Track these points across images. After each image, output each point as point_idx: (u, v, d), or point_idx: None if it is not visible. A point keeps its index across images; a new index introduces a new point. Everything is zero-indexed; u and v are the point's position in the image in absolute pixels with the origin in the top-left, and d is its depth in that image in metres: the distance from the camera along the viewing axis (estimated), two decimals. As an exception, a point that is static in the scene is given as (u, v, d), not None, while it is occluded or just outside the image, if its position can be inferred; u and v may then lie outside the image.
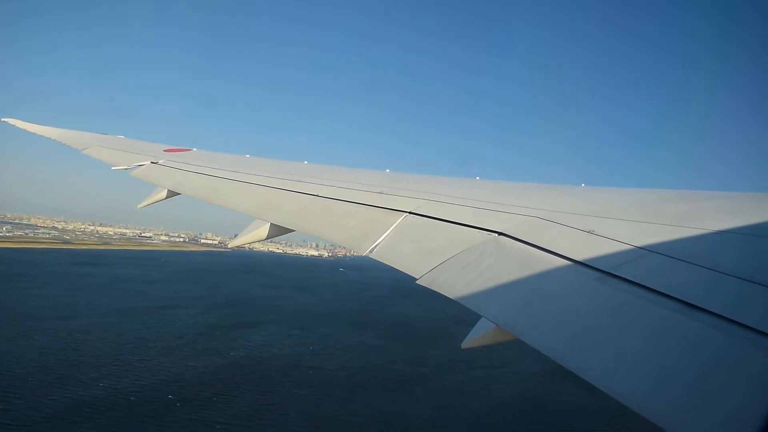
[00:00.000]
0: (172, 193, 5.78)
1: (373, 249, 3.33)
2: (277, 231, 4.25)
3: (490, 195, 3.91)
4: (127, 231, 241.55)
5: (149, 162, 6.69)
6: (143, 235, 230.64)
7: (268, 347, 41.88)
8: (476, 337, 2.85)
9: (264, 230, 4.24)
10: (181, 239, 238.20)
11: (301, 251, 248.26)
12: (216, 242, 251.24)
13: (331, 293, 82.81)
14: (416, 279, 2.83)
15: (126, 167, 6.64)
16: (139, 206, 5.97)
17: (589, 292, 2.20)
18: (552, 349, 1.90)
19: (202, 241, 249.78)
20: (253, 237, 4.28)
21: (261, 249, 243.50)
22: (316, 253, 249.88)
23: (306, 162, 6.56)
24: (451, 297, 2.54)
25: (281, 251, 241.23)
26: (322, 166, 6.37)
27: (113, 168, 6.74)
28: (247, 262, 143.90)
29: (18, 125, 9.57)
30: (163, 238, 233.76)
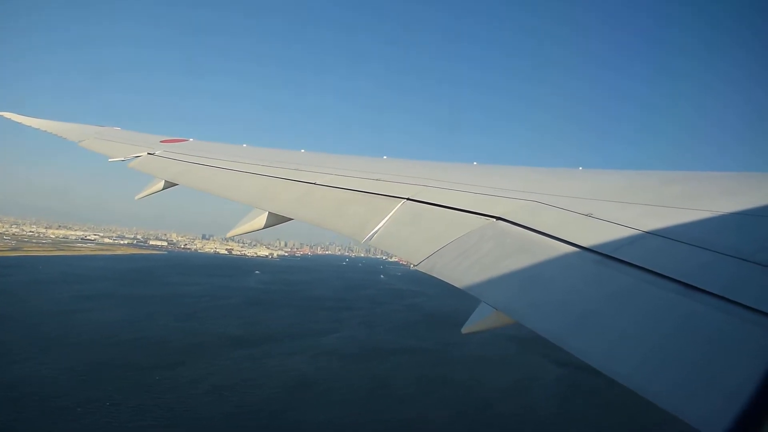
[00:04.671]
0: (169, 184, 5.73)
1: (371, 236, 3.33)
2: (275, 220, 4.23)
3: (488, 180, 3.91)
4: (72, 233, 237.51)
5: (146, 153, 6.66)
6: (87, 237, 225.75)
7: None
8: (476, 322, 2.93)
9: (261, 219, 4.23)
10: (125, 242, 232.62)
11: (249, 252, 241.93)
12: (165, 244, 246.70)
13: (156, 306, 74.19)
14: (415, 265, 2.81)
15: (123, 159, 6.63)
16: (137, 197, 5.93)
17: (588, 275, 2.19)
18: (552, 333, 1.91)
19: (151, 242, 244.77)
20: (250, 227, 4.28)
21: (207, 251, 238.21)
22: (266, 253, 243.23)
23: (303, 150, 6.43)
24: (450, 282, 2.55)
25: (225, 252, 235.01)
26: (320, 154, 6.29)
27: (110, 160, 6.75)
28: (153, 266, 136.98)
29: (15, 119, 9.69)
30: (107, 240, 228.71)
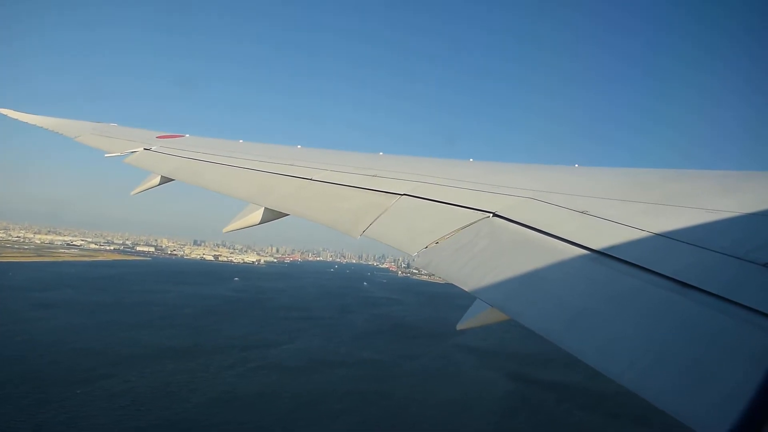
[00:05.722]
0: (165, 179, 5.70)
1: (367, 232, 3.31)
2: (271, 215, 4.22)
3: (484, 176, 3.89)
4: (60, 238, 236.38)
5: (142, 149, 6.64)
6: (72, 243, 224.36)
7: None
8: (471, 318, 2.95)
9: (257, 215, 4.22)
10: (111, 248, 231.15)
11: (236, 258, 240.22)
12: (152, 249, 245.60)
13: (111, 314, 72.35)
14: (411, 260, 2.86)
15: (119, 154, 6.62)
16: (133, 192, 5.92)
17: (583, 272, 2.19)
18: (547, 330, 1.92)
19: (138, 248, 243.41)
20: (246, 222, 4.26)
21: (194, 257, 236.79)
22: (253, 260, 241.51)
23: (299, 146, 6.43)
24: (446, 278, 2.59)
25: (211, 258, 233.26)
26: (316, 150, 6.23)
27: (106, 155, 6.73)
28: (129, 273, 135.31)
29: (12, 115, 9.52)
30: (93, 246, 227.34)
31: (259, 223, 4.27)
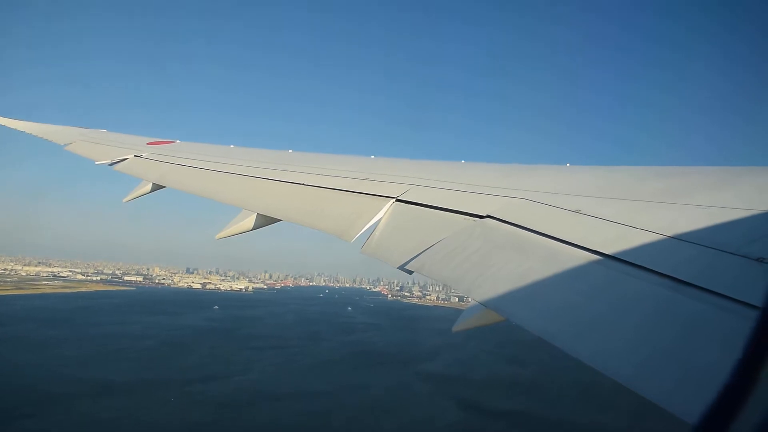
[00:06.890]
0: (157, 186, 5.69)
1: (359, 236, 3.34)
2: (264, 221, 4.21)
3: (476, 178, 3.88)
4: (48, 270, 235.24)
5: (133, 155, 6.58)
6: (59, 274, 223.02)
7: None
8: (467, 320, 2.98)
9: (250, 221, 4.20)
10: (98, 278, 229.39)
11: (224, 285, 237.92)
12: (140, 279, 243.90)
13: (59, 349, 71.67)
14: (404, 265, 2.83)
15: (110, 162, 6.55)
16: (125, 200, 5.90)
17: (577, 271, 2.20)
18: (542, 330, 1.93)
19: (126, 278, 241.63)
20: (239, 228, 4.25)
21: (181, 285, 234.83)
22: (241, 286, 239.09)
23: (290, 150, 6.38)
24: (440, 281, 2.66)
25: (198, 287, 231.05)
26: (307, 154, 6.28)
27: (97, 162, 6.67)
28: (105, 304, 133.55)
29: None
30: (80, 276, 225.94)
31: (251, 229, 4.24)
